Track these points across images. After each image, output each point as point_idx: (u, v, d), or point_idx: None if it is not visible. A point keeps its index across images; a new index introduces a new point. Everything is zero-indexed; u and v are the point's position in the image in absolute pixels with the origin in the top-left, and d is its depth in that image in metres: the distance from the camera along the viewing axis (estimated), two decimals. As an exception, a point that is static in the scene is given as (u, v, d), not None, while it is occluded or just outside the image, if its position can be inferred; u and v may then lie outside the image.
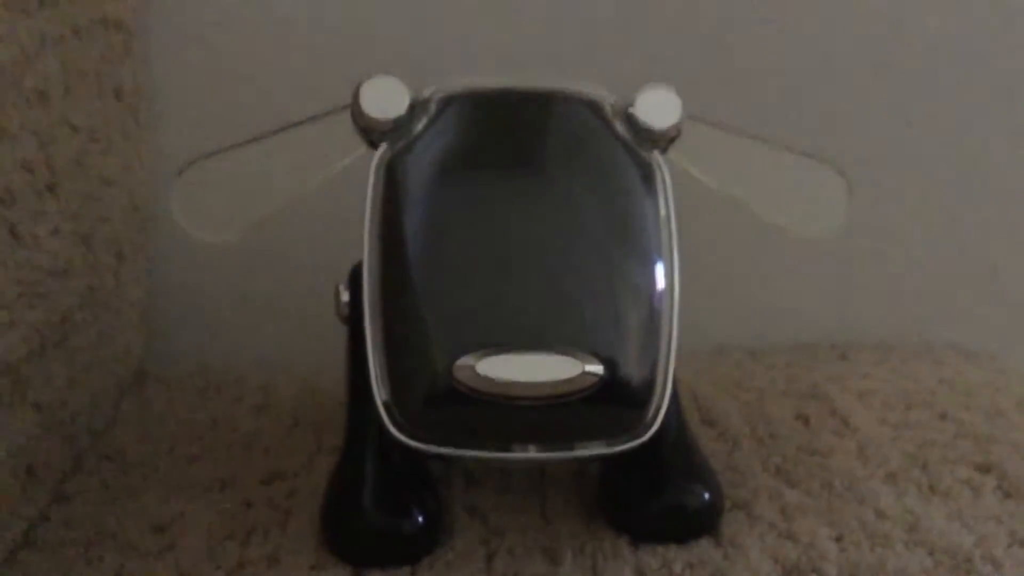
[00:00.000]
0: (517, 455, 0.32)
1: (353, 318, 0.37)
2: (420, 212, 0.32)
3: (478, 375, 0.30)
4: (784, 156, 0.37)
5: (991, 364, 0.54)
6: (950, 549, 0.35)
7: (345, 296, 0.36)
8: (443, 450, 0.32)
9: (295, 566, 0.34)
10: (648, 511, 0.36)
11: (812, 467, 0.41)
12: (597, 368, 0.31)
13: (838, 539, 0.36)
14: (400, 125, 0.33)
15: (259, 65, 0.53)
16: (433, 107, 0.34)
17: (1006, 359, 0.56)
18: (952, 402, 0.47)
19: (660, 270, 0.33)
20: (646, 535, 0.36)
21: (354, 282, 0.36)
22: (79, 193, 0.42)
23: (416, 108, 0.34)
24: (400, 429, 0.32)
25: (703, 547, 0.35)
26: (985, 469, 0.41)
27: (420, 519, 0.35)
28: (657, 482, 0.36)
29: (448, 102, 0.34)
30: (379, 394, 0.32)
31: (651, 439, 0.33)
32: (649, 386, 0.32)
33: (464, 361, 0.30)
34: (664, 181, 0.34)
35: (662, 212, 0.33)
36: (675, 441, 0.37)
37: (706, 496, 0.36)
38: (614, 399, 0.31)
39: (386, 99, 0.33)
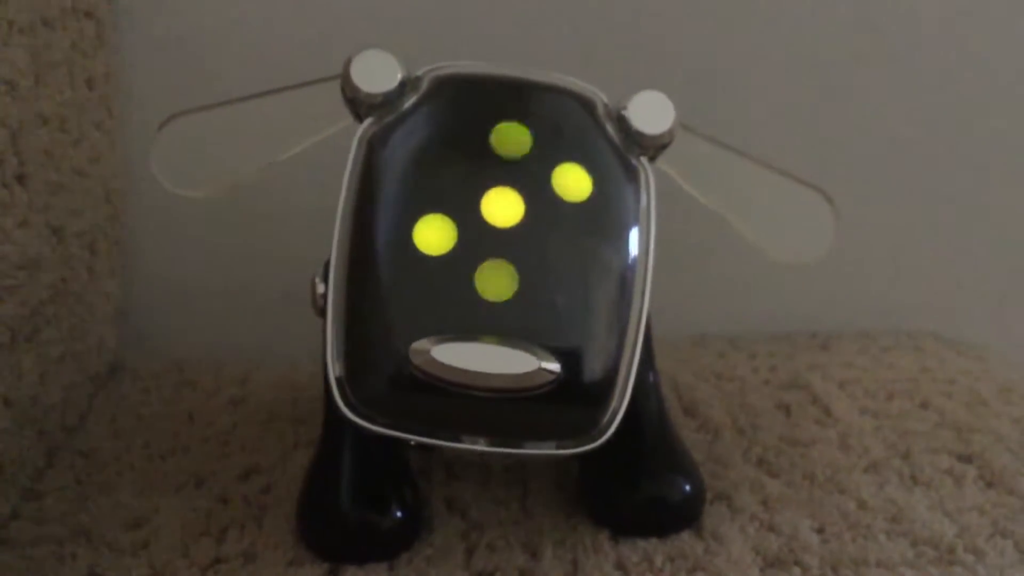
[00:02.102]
0: (465, 446, 0.32)
1: (327, 307, 0.36)
2: (396, 190, 0.32)
3: (433, 360, 0.30)
4: (775, 179, 0.36)
5: (972, 353, 0.54)
6: (932, 539, 0.35)
7: (321, 288, 0.36)
8: (390, 432, 0.31)
9: (271, 562, 0.34)
10: (629, 503, 0.36)
11: (794, 457, 0.41)
12: (554, 366, 0.30)
13: (820, 530, 0.36)
14: (388, 101, 0.33)
15: (236, 56, 0.53)
16: (424, 86, 0.33)
17: (987, 348, 0.56)
18: (934, 391, 0.47)
19: (633, 273, 0.32)
20: (627, 528, 0.35)
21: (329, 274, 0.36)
22: (49, 184, 0.42)
23: (406, 86, 0.33)
24: (350, 407, 0.31)
25: (684, 539, 0.35)
26: (967, 459, 0.41)
27: (398, 514, 0.34)
28: (638, 474, 0.36)
29: (440, 83, 0.34)
30: (332, 369, 0.31)
31: (632, 430, 0.33)
32: (607, 391, 0.31)
33: (420, 344, 0.30)
34: (648, 185, 0.33)
35: (642, 215, 0.33)
36: (656, 432, 0.37)
37: (687, 488, 0.36)
38: (569, 400, 0.31)
39: (377, 73, 0.33)
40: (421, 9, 0.53)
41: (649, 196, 0.33)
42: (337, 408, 0.31)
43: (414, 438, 0.32)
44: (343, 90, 0.33)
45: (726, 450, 0.42)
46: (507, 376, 0.30)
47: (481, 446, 0.32)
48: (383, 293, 0.31)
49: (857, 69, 0.56)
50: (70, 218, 0.44)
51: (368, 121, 0.33)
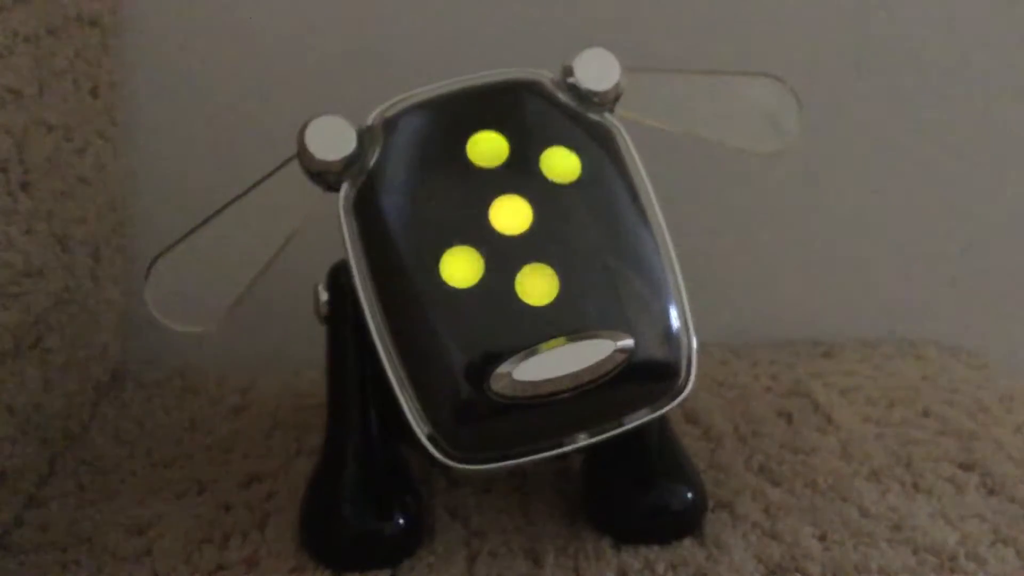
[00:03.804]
0: (570, 446, 0.32)
1: (332, 318, 0.36)
2: (405, 244, 0.32)
3: (516, 382, 0.30)
4: (728, 81, 0.37)
5: (974, 361, 0.54)
6: (934, 547, 0.35)
7: (324, 296, 0.36)
8: (499, 465, 0.32)
9: (274, 569, 0.34)
10: (631, 511, 0.36)
11: (795, 465, 0.41)
12: (626, 342, 0.31)
13: (822, 538, 0.36)
14: (353, 161, 0.33)
15: (239, 64, 0.53)
16: (380, 133, 0.33)
17: (989, 355, 0.56)
18: (935, 399, 0.47)
19: (648, 222, 0.33)
20: (629, 535, 0.35)
21: (332, 282, 0.36)
22: (54, 192, 0.42)
23: (364, 140, 0.33)
24: (450, 457, 0.31)
25: (686, 547, 0.35)
26: (968, 466, 0.41)
27: (401, 521, 0.35)
28: (640, 482, 0.36)
29: (393, 123, 0.33)
30: (420, 430, 0.31)
31: (634, 438, 0.33)
32: (676, 339, 0.32)
33: (499, 373, 0.30)
34: (620, 133, 0.34)
35: (629, 165, 0.34)
36: (658, 440, 0.37)
37: (689, 495, 0.36)
38: (648, 365, 0.32)
39: (333, 139, 0.33)
40: (439, 16, 0.53)
41: (627, 145, 0.34)
42: (438, 462, 0.31)
43: (521, 461, 0.32)
44: (306, 167, 0.33)
45: (728, 458, 0.42)
46: (590, 368, 0.31)
47: (583, 441, 0.32)
48: (439, 344, 0.31)
49: (856, 75, 0.56)
50: (74, 226, 0.44)
51: (344, 188, 0.33)
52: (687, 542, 0.35)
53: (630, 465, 0.36)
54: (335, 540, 0.35)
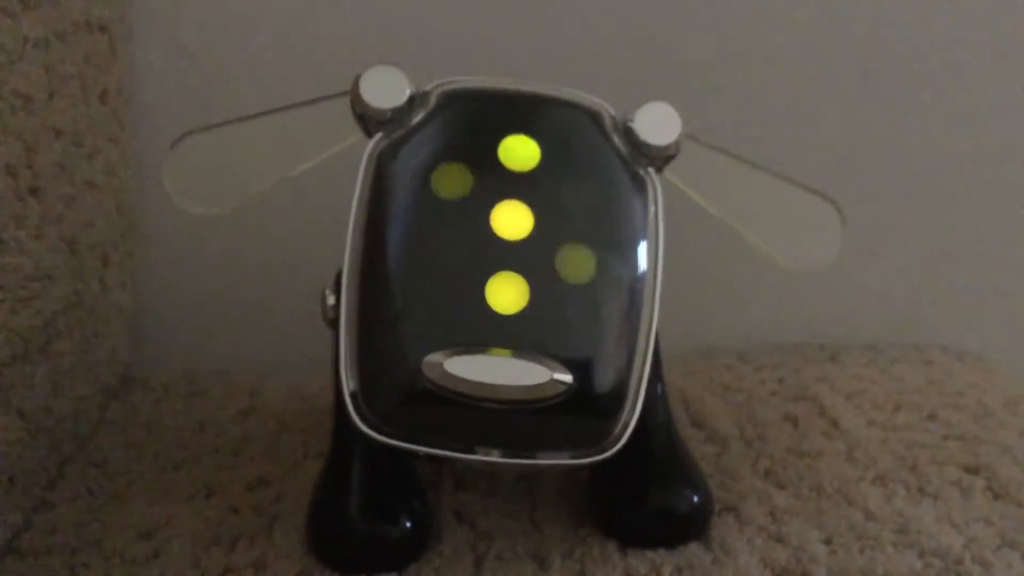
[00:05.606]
0: (479, 457, 0.32)
1: (339, 321, 0.36)
2: (405, 204, 0.32)
3: (446, 373, 0.30)
4: (781, 187, 0.36)
5: (980, 365, 0.54)
6: (940, 551, 0.35)
7: (331, 300, 0.36)
8: (405, 445, 0.32)
9: (281, 572, 0.34)
10: (637, 514, 0.36)
11: (801, 469, 0.41)
12: (566, 377, 0.31)
13: (827, 541, 0.36)
14: (397, 116, 0.33)
15: (246, 69, 0.53)
16: (432, 101, 0.34)
17: (994, 359, 0.56)
18: (941, 403, 0.47)
19: (642, 284, 0.32)
20: (635, 539, 0.36)
21: (340, 286, 0.36)
22: (63, 197, 0.42)
23: (415, 101, 0.34)
24: (364, 421, 0.31)
25: (692, 551, 0.35)
26: (974, 470, 0.41)
27: (407, 524, 0.35)
28: (646, 485, 0.36)
29: (448, 98, 0.34)
30: (347, 384, 0.31)
31: (640, 442, 0.33)
32: (619, 400, 0.32)
33: (433, 358, 0.30)
34: (656, 196, 0.34)
35: (650, 225, 0.33)
36: (664, 444, 0.37)
37: (695, 499, 0.36)
38: (582, 410, 0.31)
39: (386, 89, 0.33)
40: (431, 24, 0.54)
41: (657, 207, 0.34)
42: (351, 421, 0.31)
43: (427, 450, 0.32)
44: (353, 106, 0.34)
45: (734, 462, 0.42)
46: (520, 387, 0.30)
47: (494, 457, 0.32)
48: (396, 307, 0.31)
49: (864, 82, 0.56)
50: (83, 230, 0.44)
51: (377, 136, 0.33)
52: (693, 546, 0.35)
53: (636, 469, 0.36)
54: (342, 543, 0.35)
